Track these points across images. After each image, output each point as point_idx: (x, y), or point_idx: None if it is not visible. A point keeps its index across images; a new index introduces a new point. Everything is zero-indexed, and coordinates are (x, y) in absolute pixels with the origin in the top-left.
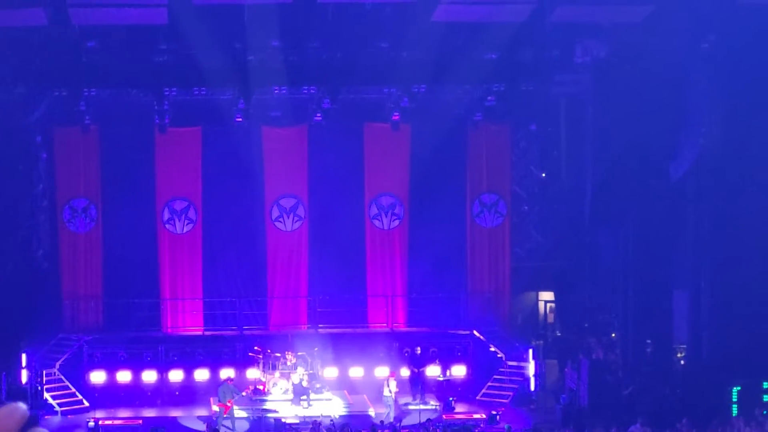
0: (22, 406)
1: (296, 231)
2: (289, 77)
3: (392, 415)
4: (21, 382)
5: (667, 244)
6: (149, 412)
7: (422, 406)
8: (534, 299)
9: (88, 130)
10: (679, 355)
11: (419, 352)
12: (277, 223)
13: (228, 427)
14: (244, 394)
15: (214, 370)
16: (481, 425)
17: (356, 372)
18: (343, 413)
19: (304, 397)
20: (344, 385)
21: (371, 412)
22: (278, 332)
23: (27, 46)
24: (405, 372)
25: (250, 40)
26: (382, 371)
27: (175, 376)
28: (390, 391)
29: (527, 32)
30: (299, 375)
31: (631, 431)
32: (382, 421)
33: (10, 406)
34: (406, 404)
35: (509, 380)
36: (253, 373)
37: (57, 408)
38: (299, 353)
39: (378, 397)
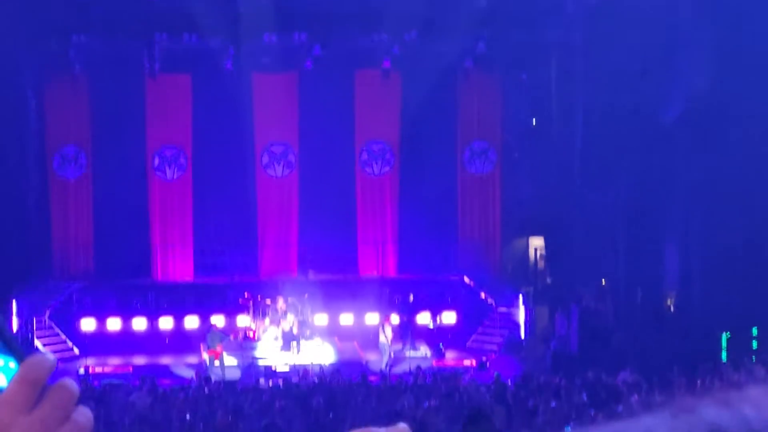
0: (51, 356)
1: (286, 178)
2: (280, 24)
3: (385, 360)
4: (11, 329)
5: (658, 191)
6: (139, 360)
7: (413, 353)
8: (524, 246)
9: (77, 77)
10: (669, 302)
11: (412, 299)
12: (267, 170)
13: (218, 374)
14: (231, 338)
15: (204, 318)
16: (471, 372)
17: (346, 319)
18: (333, 360)
19: (294, 344)
20: (334, 332)
21: (365, 359)
22: (268, 279)
23: None
24: (395, 319)
25: None
26: (372, 318)
27: (166, 323)
28: (386, 338)
29: None
30: (289, 322)
31: (621, 378)
32: (381, 369)
33: (39, 355)
34: (397, 351)
35: (499, 327)
36: (243, 320)
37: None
38: (289, 300)
39: (368, 344)
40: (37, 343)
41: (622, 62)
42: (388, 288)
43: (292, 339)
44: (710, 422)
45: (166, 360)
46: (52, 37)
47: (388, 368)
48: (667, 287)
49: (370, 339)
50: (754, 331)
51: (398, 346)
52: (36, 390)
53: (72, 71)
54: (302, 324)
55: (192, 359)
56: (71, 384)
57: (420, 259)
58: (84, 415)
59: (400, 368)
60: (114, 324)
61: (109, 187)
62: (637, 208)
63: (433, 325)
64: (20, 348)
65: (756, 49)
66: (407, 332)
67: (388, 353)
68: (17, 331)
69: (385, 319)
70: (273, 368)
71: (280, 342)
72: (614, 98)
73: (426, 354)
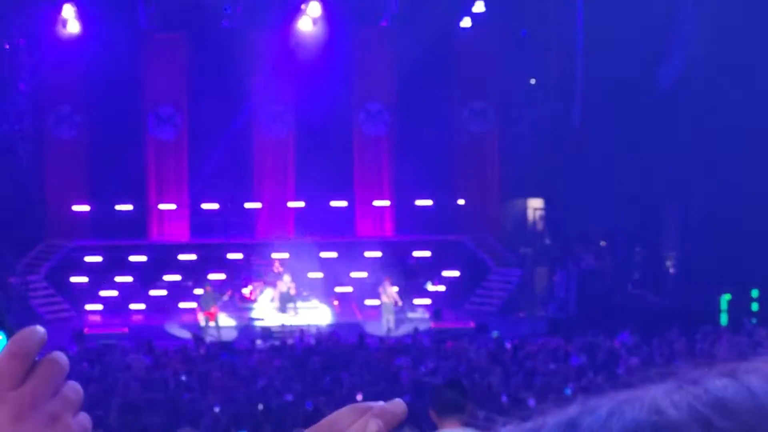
0: (41, 329)
1: (283, 137)
2: None
3: (393, 320)
4: (6, 289)
5: (657, 152)
6: (135, 320)
7: (411, 315)
8: (523, 207)
9: (71, 34)
10: (668, 263)
11: (413, 259)
12: (263, 130)
13: (214, 335)
14: (225, 297)
15: (200, 278)
16: (470, 334)
17: (344, 280)
18: (330, 321)
19: (291, 305)
20: (331, 294)
21: (362, 320)
22: (265, 240)
23: None
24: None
25: None
26: (370, 279)
27: (161, 283)
28: (388, 297)
29: None
30: (286, 283)
31: (620, 339)
32: (385, 330)
33: (28, 329)
34: (396, 313)
35: (498, 288)
36: (239, 281)
37: (42, 316)
38: (286, 261)
39: (366, 305)
40: (32, 303)
41: (622, 20)
42: (385, 249)
43: (289, 300)
44: (716, 394)
45: (162, 321)
46: None
47: (389, 329)
48: (667, 248)
49: (366, 299)
50: (755, 292)
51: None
52: (25, 364)
53: (66, 28)
54: (299, 285)
55: (188, 320)
56: (61, 358)
57: (418, 219)
58: (74, 389)
59: (399, 330)
60: (109, 284)
61: (104, 147)
62: (637, 168)
63: (432, 287)
64: (9, 320)
65: (755, 11)
66: (406, 293)
67: (391, 313)
68: (13, 290)
69: (385, 279)
70: (269, 329)
71: (277, 303)
72: (615, 57)
73: (424, 315)
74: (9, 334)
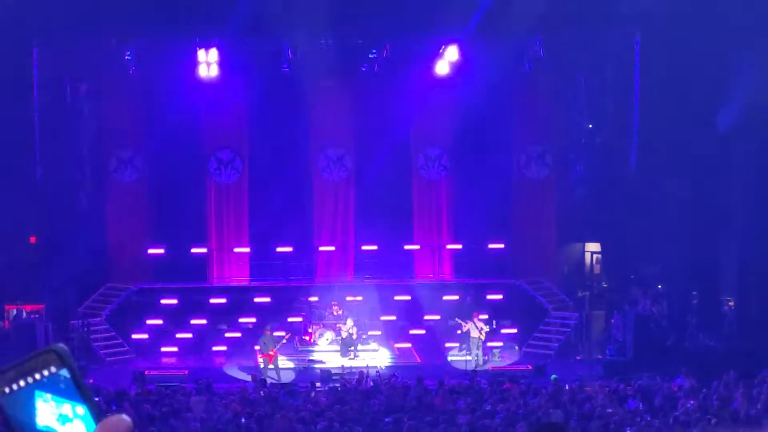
0: (127, 418)
1: (343, 181)
2: (337, 27)
3: (481, 355)
4: (68, 331)
5: (715, 194)
6: (195, 363)
7: (465, 356)
8: (580, 250)
9: (134, 80)
10: (727, 306)
11: (469, 302)
12: (323, 174)
13: (273, 378)
14: (284, 340)
15: (260, 321)
16: (527, 376)
17: (403, 323)
18: (390, 364)
19: (352, 348)
20: (391, 336)
21: (421, 362)
22: (325, 283)
23: None
24: (452, 322)
25: None
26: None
27: (221, 326)
28: (479, 332)
29: None
30: (347, 327)
31: (677, 383)
32: (474, 366)
33: (116, 417)
34: (454, 354)
35: (555, 331)
36: (298, 324)
37: (104, 357)
38: (345, 304)
39: (423, 347)
40: (94, 345)
41: (680, 64)
42: (444, 292)
43: (350, 343)
44: None
45: (221, 363)
46: (110, 39)
47: (477, 364)
48: (725, 292)
49: (426, 342)
50: None
51: (452, 350)
52: None
53: (128, 73)
54: (359, 328)
55: (247, 362)
56: None
57: (476, 263)
58: None
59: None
60: (170, 327)
61: (165, 190)
62: (694, 211)
63: (489, 329)
64: (93, 398)
65: None
66: (465, 336)
67: (479, 349)
68: (75, 332)
69: (475, 315)
70: (329, 371)
71: (336, 345)
72: (671, 101)
73: (482, 358)
74: (90, 407)
